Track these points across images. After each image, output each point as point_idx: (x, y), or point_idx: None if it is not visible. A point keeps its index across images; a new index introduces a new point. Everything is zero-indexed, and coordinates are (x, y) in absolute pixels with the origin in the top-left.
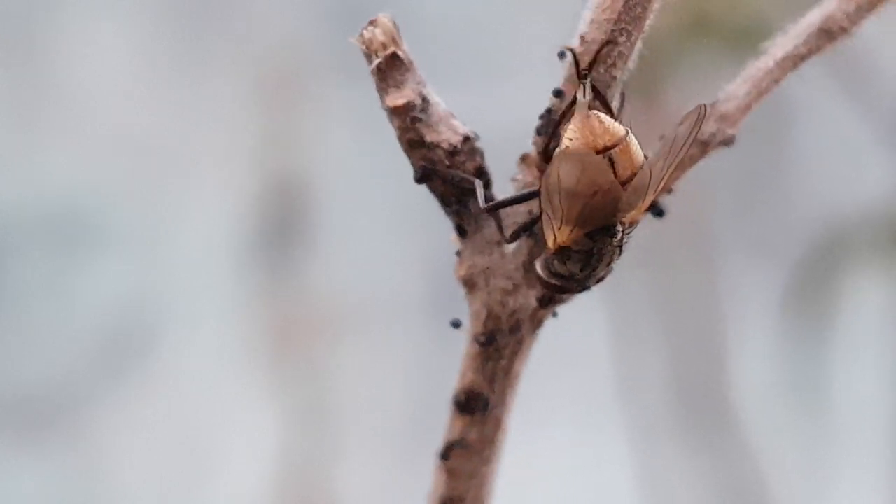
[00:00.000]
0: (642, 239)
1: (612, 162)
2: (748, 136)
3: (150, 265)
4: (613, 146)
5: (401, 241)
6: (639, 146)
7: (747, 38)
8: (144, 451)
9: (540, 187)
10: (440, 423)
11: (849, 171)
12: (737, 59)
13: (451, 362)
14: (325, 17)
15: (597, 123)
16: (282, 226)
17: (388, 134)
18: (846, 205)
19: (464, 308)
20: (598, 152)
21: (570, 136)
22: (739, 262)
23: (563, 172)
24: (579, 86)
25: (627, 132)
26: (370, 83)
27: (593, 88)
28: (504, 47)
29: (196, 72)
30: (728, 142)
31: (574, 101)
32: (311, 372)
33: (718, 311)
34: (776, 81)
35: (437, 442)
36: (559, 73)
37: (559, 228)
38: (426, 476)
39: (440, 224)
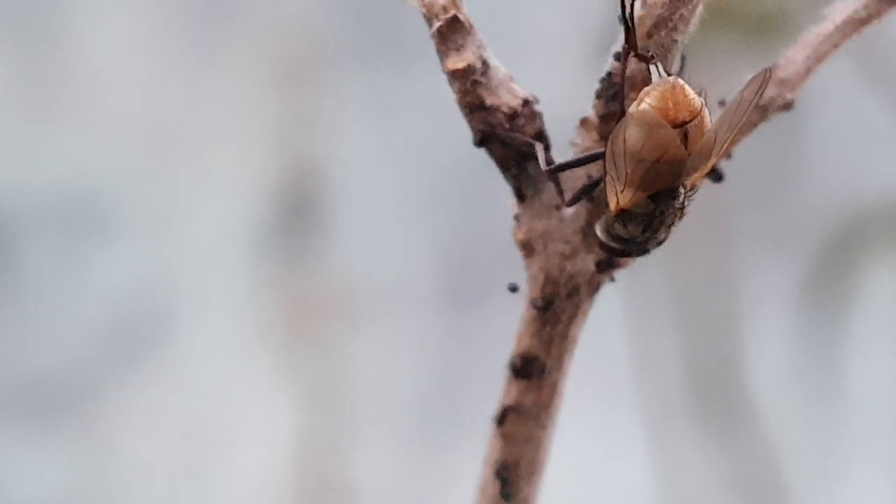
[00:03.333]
0: None
1: (685, 135)
2: (765, 125)
3: (164, 251)
4: (691, 120)
5: (415, 227)
6: (709, 116)
7: (767, 28)
8: (158, 437)
9: (604, 149)
10: (454, 407)
11: (866, 161)
12: (756, 49)
13: (464, 347)
14: (341, 2)
15: (681, 96)
16: (296, 212)
17: (405, 120)
18: (863, 195)
19: (478, 294)
20: (675, 125)
21: (651, 102)
22: (756, 253)
23: (629, 136)
24: (648, 52)
25: (703, 105)
26: (386, 69)
27: (646, 55)
28: (516, 31)
29: (211, 57)
30: (788, 106)
31: (640, 60)
32: (324, 358)
33: (735, 301)
34: (835, 46)
35: (451, 426)
36: (567, 58)
37: (622, 191)
38: (440, 459)
39: (454, 211)
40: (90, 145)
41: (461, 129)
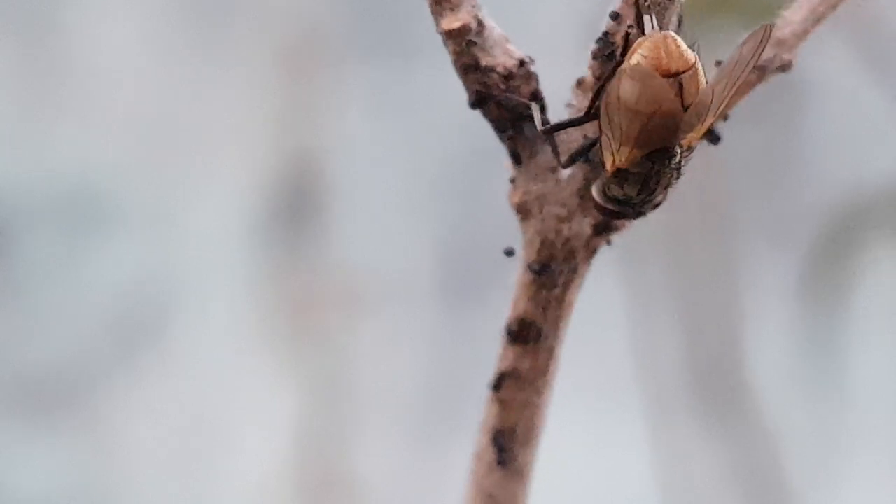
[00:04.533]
0: (659, 221)
1: (680, 87)
2: (764, 115)
3: (164, 244)
4: (685, 71)
5: (415, 218)
6: (704, 72)
7: (766, 14)
8: (158, 430)
9: (599, 106)
10: (455, 398)
11: (866, 153)
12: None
13: (465, 338)
14: None
15: (673, 46)
16: (296, 204)
17: (405, 113)
18: (863, 186)
19: (480, 285)
20: (668, 75)
21: (643, 53)
22: (756, 244)
23: (623, 89)
24: (641, 8)
25: (696, 59)
26: (386, 62)
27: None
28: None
29: (210, 51)
30: (785, 67)
31: (637, 24)
32: (325, 350)
33: (735, 292)
34: (833, 7)
35: (454, 417)
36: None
37: (618, 149)
38: (442, 450)
39: (455, 202)
40: (89, 138)
41: (461, 122)
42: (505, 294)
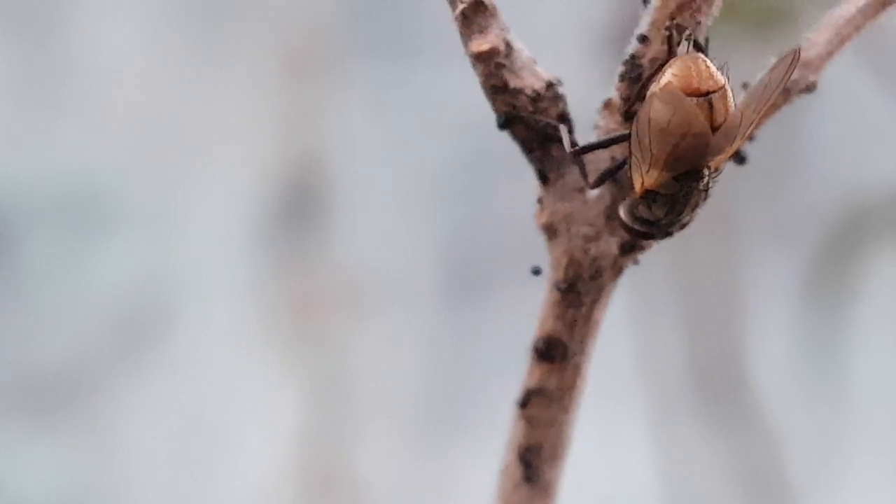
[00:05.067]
0: None
1: (710, 106)
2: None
3: (167, 245)
4: (715, 91)
5: (418, 220)
6: (732, 94)
7: (775, 20)
8: (160, 430)
9: (630, 129)
10: (457, 400)
11: (869, 154)
12: (763, 41)
13: (467, 339)
14: None
15: (703, 66)
16: (299, 205)
17: (408, 114)
18: (866, 188)
19: (481, 285)
20: (699, 95)
21: (674, 72)
22: (759, 245)
23: (655, 112)
24: (672, 32)
25: (726, 80)
26: (389, 63)
27: (676, 36)
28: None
29: (213, 51)
30: (810, 88)
31: (668, 46)
32: (327, 351)
33: (738, 293)
34: (857, 29)
35: (455, 418)
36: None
37: (647, 171)
38: (444, 451)
39: (458, 203)
40: (92, 139)
41: (463, 122)
42: (506, 295)
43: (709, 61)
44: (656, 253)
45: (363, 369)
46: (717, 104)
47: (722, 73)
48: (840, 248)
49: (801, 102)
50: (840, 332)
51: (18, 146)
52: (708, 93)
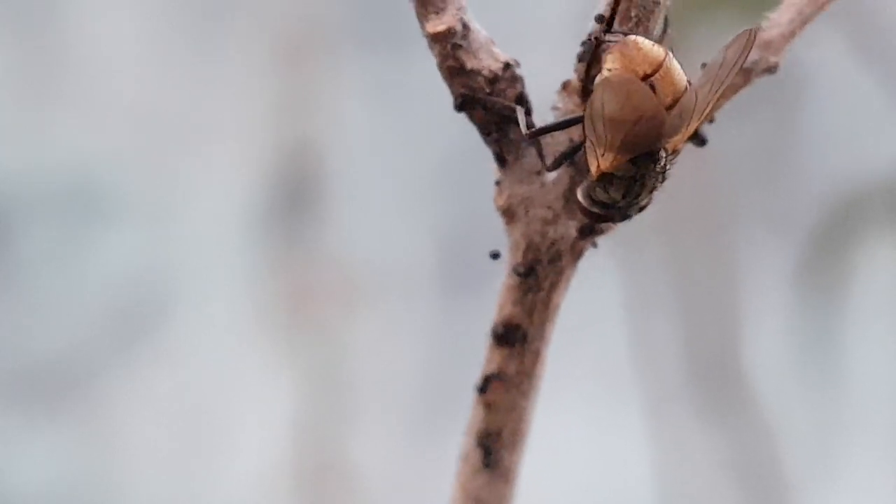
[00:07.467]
0: (656, 211)
1: (653, 88)
2: (760, 106)
3: (163, 236)
4: (654, 73)
5: (414, 210)
6: (680, 69)
7: (762, 9)
8: (157, 421)
9: (583, 114)
10: (454, 392)
11: (864, 142)
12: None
13: (464, 331)
14: None
15: (635, 51)
16: (294, 196)
17: (403, 104)
18: (861, 176)
19: (478, 277)
20: (642, 79)
21: (611, 65)
22: (754, 235)
23: (606, 100)
24: (615, 12)
25: (667, 55)
26: (384, 53)
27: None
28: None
29: (209, 42)
30: (771, 69)
31: (608, 25)
32: (324, 342)
33: (733, 283)
34: (820, 8)
35: (452, 410)
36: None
37: (602, 155)
38: (439, 443)
39: (453, 194)
40: (88, 131)
41: (459, 114)
42: (501, 286)
43: (640, 41)
44: (651, 243)
45: (360, 360)
46: (661, 83)
47: (661, 48)
48: (835, 239)
49: (795, 91)
50: (835, 322)
51: (15, 138)
52: (647, 76)
